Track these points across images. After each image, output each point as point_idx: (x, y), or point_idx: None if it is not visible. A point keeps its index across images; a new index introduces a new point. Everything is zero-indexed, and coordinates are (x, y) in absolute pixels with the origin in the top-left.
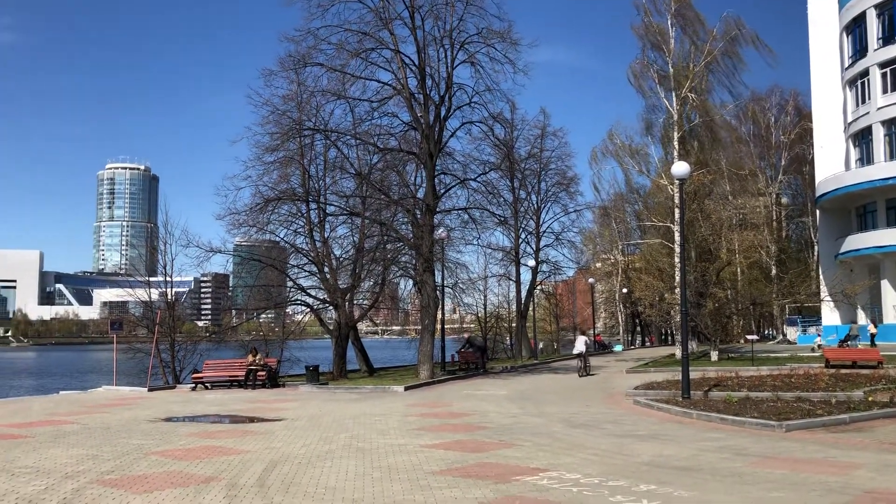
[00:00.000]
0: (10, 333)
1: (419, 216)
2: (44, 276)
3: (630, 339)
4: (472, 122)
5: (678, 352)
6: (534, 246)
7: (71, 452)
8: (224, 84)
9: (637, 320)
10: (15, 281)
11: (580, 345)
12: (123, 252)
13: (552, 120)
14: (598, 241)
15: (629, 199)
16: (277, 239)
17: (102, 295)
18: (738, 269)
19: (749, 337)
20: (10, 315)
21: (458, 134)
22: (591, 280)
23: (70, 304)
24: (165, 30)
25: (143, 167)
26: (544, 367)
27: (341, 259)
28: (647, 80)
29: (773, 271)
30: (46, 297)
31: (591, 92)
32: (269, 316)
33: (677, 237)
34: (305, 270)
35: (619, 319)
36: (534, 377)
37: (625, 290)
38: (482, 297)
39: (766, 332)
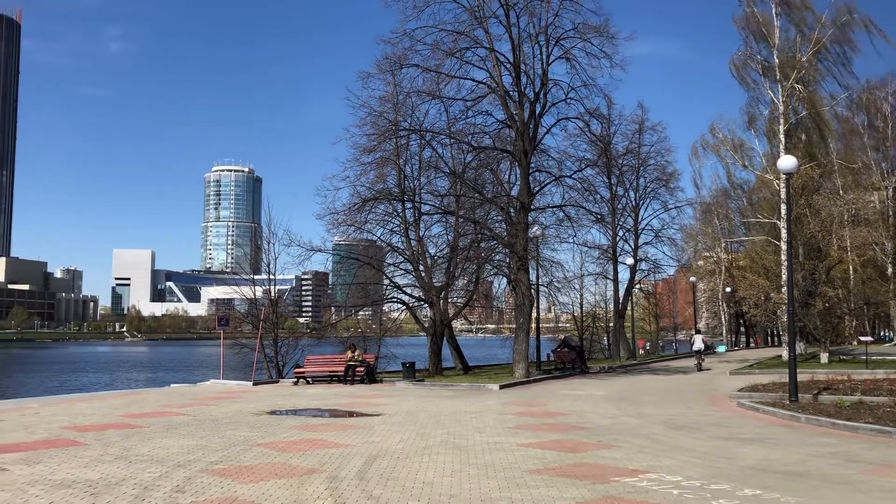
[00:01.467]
0: (125, 329)
1: (513, 214)
2: (155, 275)
3: (734, 339)
4: (568, 119)
5: (785, 353)
6: (632, 244)
7: (182, 443)
8: (325, 87)
9: (741, 320)
10: (129, 279)
11: (698, 342)
12: (229, 251)
13: (650, 114)
14: (699, 238)
15: (732, 195)
16: (374, 238)
17: (210, 292)
18: (851, 268)
19: (863, 338)
20: (125, 311)
21: (553, 131)
22: (692, 279)
23: (179, 301)
24: (266, 37)
25: (247, 169)
26: (643, 367)
27: (436, 257)
28: (750, 71)
29: (890, 270)
30: (158, 295)
31: (690, 85)
32: (367, 313)
33: (784, 234)
34: (401, 268)
35: (722, 319)
36: (632, 378)
37: (728, 289)
38: (578, 296)
39: (882, 333)
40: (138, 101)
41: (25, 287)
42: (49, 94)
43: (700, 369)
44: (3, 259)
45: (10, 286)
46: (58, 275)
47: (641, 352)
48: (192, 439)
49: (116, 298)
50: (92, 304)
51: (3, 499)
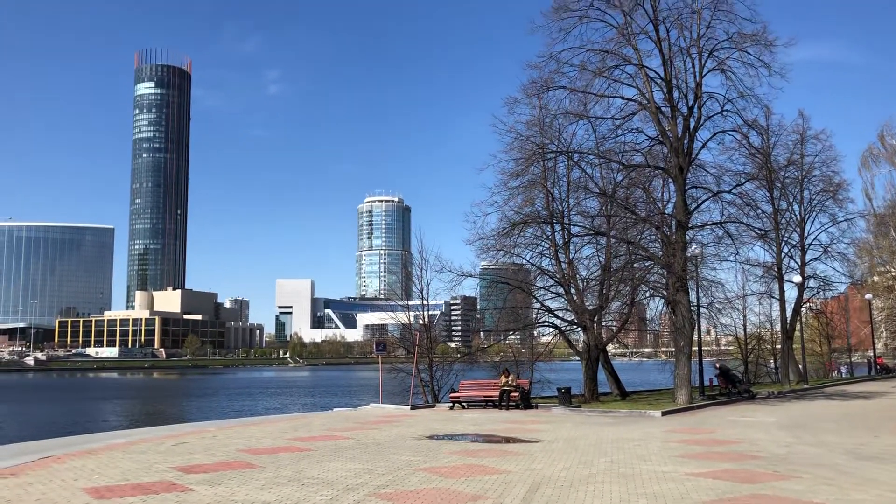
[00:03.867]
0: (288, 355)
1: (669, 233)
2: (314, 303)
3: None
4: (725, 132)
5: None
6: (798, 260)
7: (349, 466)
8: (470, 116)
9: None
10: (291, 307)
11: None
12: (382, 278)
13: (812, 122)
14: (874, 252)
15: None
16: (523, 261)
17: (365, 318)
18: None
19: None
20: (288, 338)
21: (709, 145)
22: (867, 296)
23: (337, 327)
24: (414, 69)
25: (397, 199)
26: (817, 392)
27: (587, 280)
28: None
29: None
30: (317, 321)
31: (859, 90)
32: (516, 337)
33: None
34: (552, 292)
35: None
36: (805, 403)
37: None
38: (741, 317)
39: None
40: (294, 138)
41: (199, 317)
42: (215, 136)
43: None
44: (179, 291)
45: (185, 316)
46: (227, 305)
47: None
48: (358, 463)
49: (280, 326)
50: (258, 331)
51: None
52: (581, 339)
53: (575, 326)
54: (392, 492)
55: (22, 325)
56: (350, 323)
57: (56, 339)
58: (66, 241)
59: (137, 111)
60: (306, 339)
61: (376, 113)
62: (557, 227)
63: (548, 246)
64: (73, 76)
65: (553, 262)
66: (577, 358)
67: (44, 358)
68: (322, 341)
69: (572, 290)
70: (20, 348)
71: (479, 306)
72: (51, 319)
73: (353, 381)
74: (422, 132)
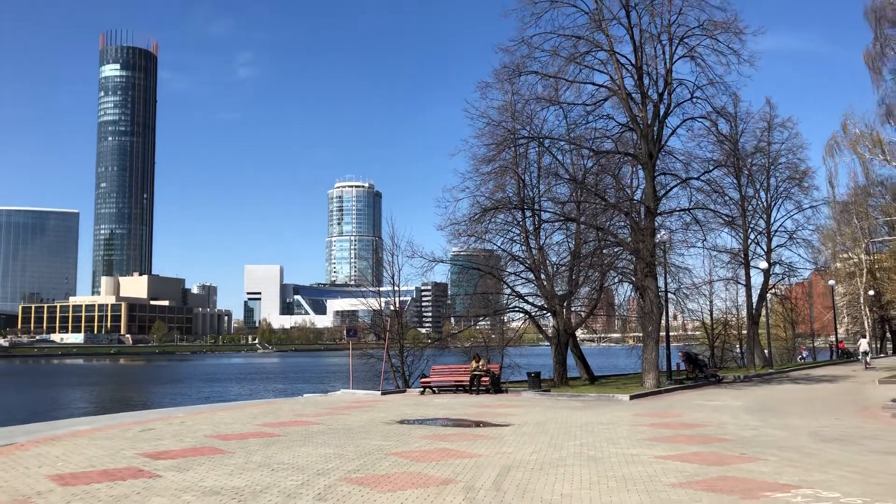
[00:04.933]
0: (257, 341)
1: (638, 219)
2: (284, 289)
3: (878, 346)
4: (694, 119)
5: None
6: (764, 247)
7: (319, 451)
8: (441, 101)
9: (887, 325)
10: (260, 293)
11: (864, 345)
12: (352, 264)
13: (779, 110)
14: (837, 239)
15: (872, 193)
16: (494, 247)
17: (335, 305)
18: None
19: None
20: (257, 324)
21: (678, 132)
22: (830, 282)
23: (307, 313)
24: (387, 53)
25: (367, 184)
26: (782, 376)
27: (557, 265)
28: (886, 62)
29: None
30: (286, 308)
31: (821, 79)
32: (487, 323)
33: None
34: (522, 277)
35: (865, 325)
36: (770, 387)
37: (871, 293)
38: (707, 303)
39: None
40: (264, 123)
41: (166, 303)
42: (183, 120)
43: (868, 368)
44: (146, 277)
45: (152, 302)
46: (195, 290)
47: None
48: (329, 448)
49: (248, 312)
50: (226, 317)
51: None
52: (551, 325)
53: (545, 312)
54: (363, 476)
55: None
56: (320, 309)
57: (20, 325)
58: (29, 226)
59: (102, 93)
60: (275, 326)
61: (348, 97)
62: (528, 213)
63: (518, 232)
64: (35, 56)
65: (524, 247)
66: (547, 343)
67: (6, 344)
68: (291, 327)
69: (542, 276)
70: None
71: (449, 292)
72: (14, 305)
73: (323, 367)
74: (393, 117)
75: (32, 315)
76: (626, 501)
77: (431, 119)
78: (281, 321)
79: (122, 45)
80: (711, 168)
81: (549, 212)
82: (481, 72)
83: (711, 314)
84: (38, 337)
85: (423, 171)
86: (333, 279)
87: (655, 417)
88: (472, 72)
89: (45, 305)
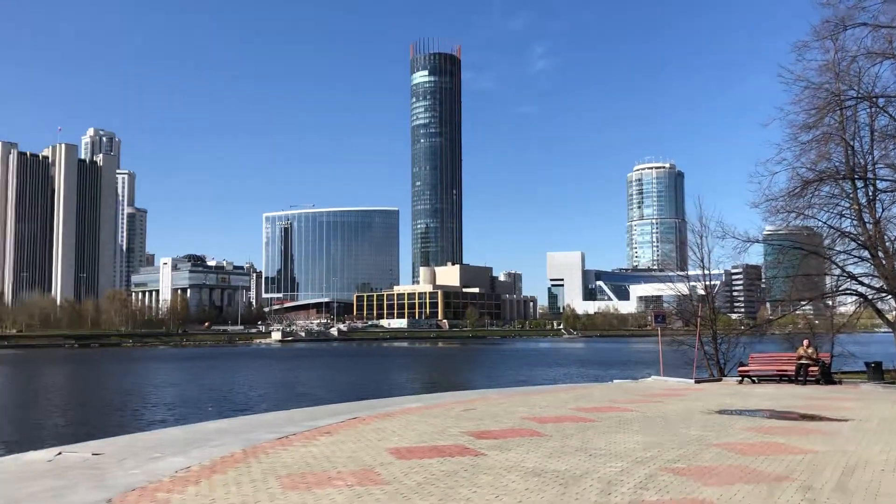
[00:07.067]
0: (561, 326)
1: None
2: (585, 275)
3: None
4: None
5: None
6: None
7: (635, 438)
8: (747, 71)
9: None
10: (562, 280)
11: None
12: (654, 248)
13: None
14: None
15: None
16: (818, 223)
17: (638, 290)
18: None
19: None
20: (560, 310)
21: None
22: None
23: (609, 299)
24: (685, 25)
25: (668, 165)
26: None
27: None
28: None
29: None
30: (588, 294)
31: None
32: (809, 308)
33: None
34: (854, 256)
35: None
36: None
37: None
38: None
39: None
40: (560, 111)
41: (476, 290)
42: (485, 117)
43: None
44: (458, 266)
45: (463, 290)
46: (501, 278)
47: None
48: (645, 436)
49: (552, 298)
50: (531, 303)
51: (486, 481)
52: (892, 308)
53: (884, 294)
54: (684, 467)
55: (326, 299)
56: (622, 295)
57: (354, 312)
58: (358, 224)
59: (414, 99)
60: (579, 311)
61: (644, 76)
62: (860, 184)
63: (848, 205)
64: (353, 68)
65: (855, 222)
66: (888, 329)
67: (345, 329)
68: (595, 313)
69: (880, 254)
70: (326, 320)
71: (764, 274)
72: (349, 294)
73: (629, 352)
74: (692, 93)
75: (364, 303)
76: None
77: (734, 92)
78: (584, 307)
79: (429, 53)
80: None
81: (887, 180)
82: (798, 32)
83: None
84: (369, 322)
85: (728, 148)
86: (635, 264)
87: None
88: (786, 34)
89: (374, 294)
